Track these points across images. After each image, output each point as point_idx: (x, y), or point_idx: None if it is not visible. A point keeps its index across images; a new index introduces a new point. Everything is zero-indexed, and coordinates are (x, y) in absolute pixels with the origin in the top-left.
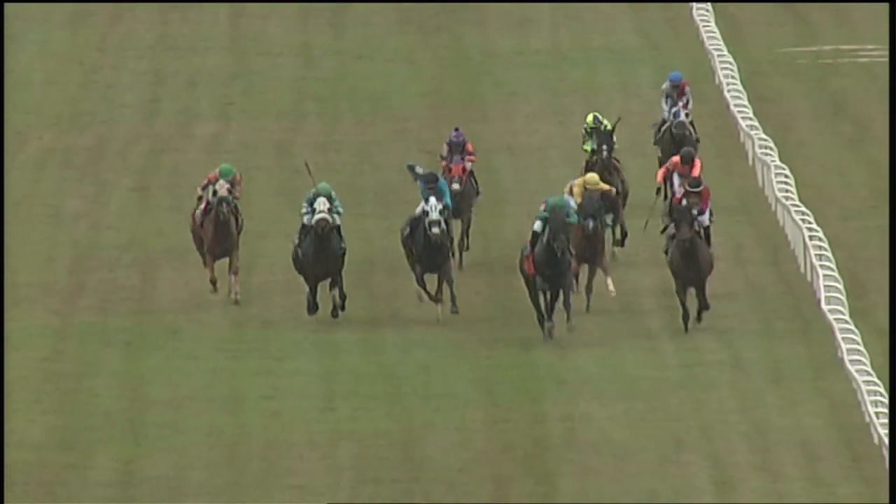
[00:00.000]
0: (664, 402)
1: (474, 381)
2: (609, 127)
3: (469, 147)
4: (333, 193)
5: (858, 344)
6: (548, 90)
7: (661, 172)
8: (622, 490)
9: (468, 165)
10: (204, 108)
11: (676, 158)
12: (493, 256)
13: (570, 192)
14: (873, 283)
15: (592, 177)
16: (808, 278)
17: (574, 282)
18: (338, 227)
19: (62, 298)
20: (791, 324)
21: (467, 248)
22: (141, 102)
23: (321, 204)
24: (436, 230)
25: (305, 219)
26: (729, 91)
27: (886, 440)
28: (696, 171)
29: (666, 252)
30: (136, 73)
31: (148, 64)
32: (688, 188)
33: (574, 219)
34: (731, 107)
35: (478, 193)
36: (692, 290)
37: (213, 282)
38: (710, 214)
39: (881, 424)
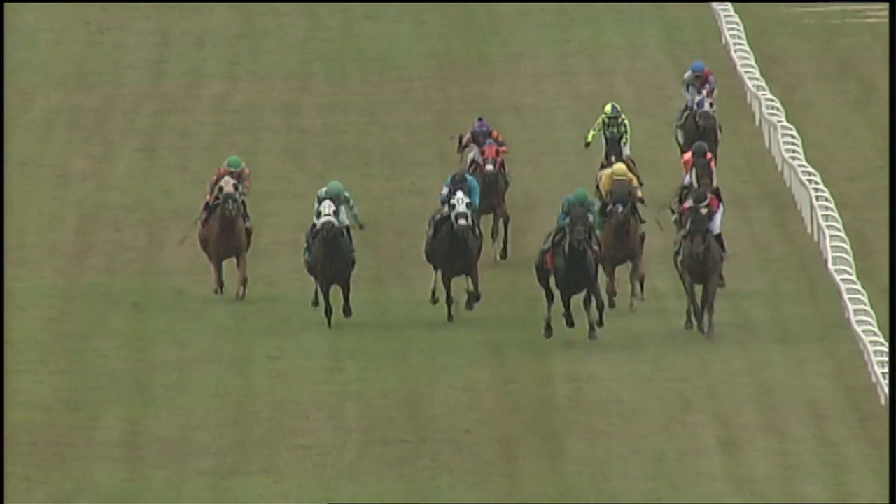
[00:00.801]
0: (671, 363)
1: (481, 342)
2: (624, 119)
3: (496, 135)
4: (347, 193)
5: (865, 304)
6: (554, 50)
7: (686, 161)
8: (629, 450)
9: (500, 157)
10: (211, 69)
11: (688, 155)
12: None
13: (599, 183)
14: (880, 244)
15: (620, 167)
16: (815, 239)
17: (606, 290)
18: (347, 229)
19: (69, 259)
20: (798, 284)
21: (505, 254)
22: (147, 63)
23: (326, 206)
24: (462, 222)
25: (314, 221)
26: (736, 51)
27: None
28: (710, 175)
29: (677, 253)
30: (143, 33)
31: (154, 24)
32: (693, 203)
33: (596, 216)
34: (738, 67)
35: (507, 184)
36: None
37: (220, 284)
38: (722, 213)
39: (888, 385)
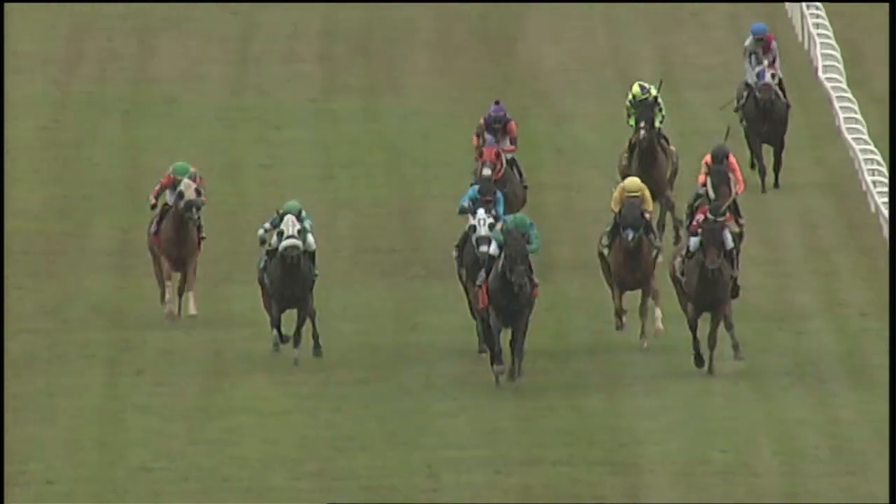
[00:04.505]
0: None
1: (473, 150)
2: (654, 94)
3: (512, 128)
4: (304, 212)
5: (856, 112)
6: None
7: (701, 178)
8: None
9: (507, 155)
10: None
11: (708, 158)
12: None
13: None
14: (871, 52)
15: (633, 182)
16: (806, 47)
17: (620, 320)
18: (312, 253)
19: (61, 67)
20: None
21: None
22: None
23: (290, 225)
24: (484, 248)
25: (273, 241)
26: None
27: (884, 209)
28: (733, 171)
29: (681, 274)
30: None
31: None
32: (709, 216)
33: (535, 245)
34: None
35: (525, 187)
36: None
37: (164, 296)
38: (740, 228)
39: (878, 193)
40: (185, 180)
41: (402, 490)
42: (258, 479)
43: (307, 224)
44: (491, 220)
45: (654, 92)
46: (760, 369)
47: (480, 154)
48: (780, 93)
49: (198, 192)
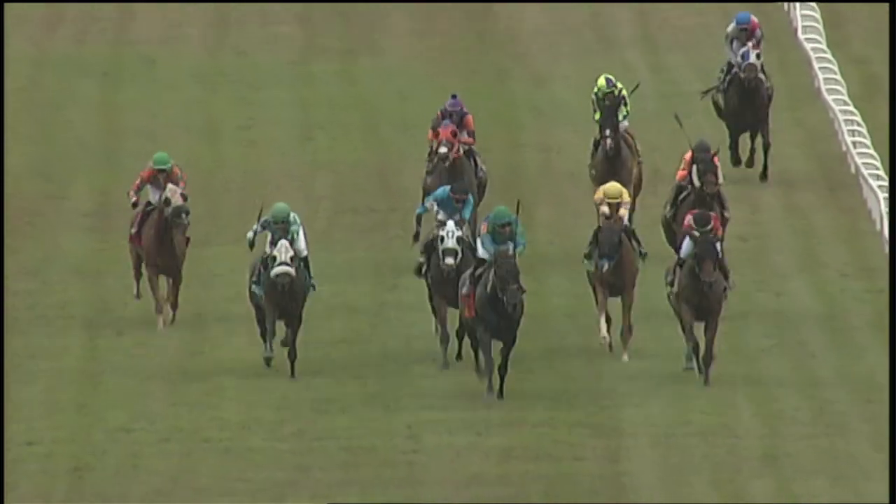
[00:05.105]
0: (642, 133)
1: None
2: (622, 91)
3: (469, 121)
4: (293, 216)
5: (836, 73)
6: None
7: (681, 173)
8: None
9: (463, 145)
10: None
11: (689, 155)
12: None
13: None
14: (851, 13)
15: (613, 188)
16: (785, 8)
17: (604, 323)
18: (305, 259)
19: (39, 28)
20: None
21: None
22: None
23: (283, 251)
24: (449, 261)
25: (267, 251)
26: None
27: (863, 169)
28: (715, 171)
29: (671, 284)
30: None
31: None
32: (694, 226)
33: (522, 247)
34: None
35: (477, 176)
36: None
37: (160, 309)
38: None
39: (857, 154)
40: (170, 186)
41: (382, 451)
42: (238, 440)
43: (296, 229)
44: (459, 232)
45: (619, 86)
46: (740, 331)
47: (436, 135)
48: (763, 76)
49: (183, 197)
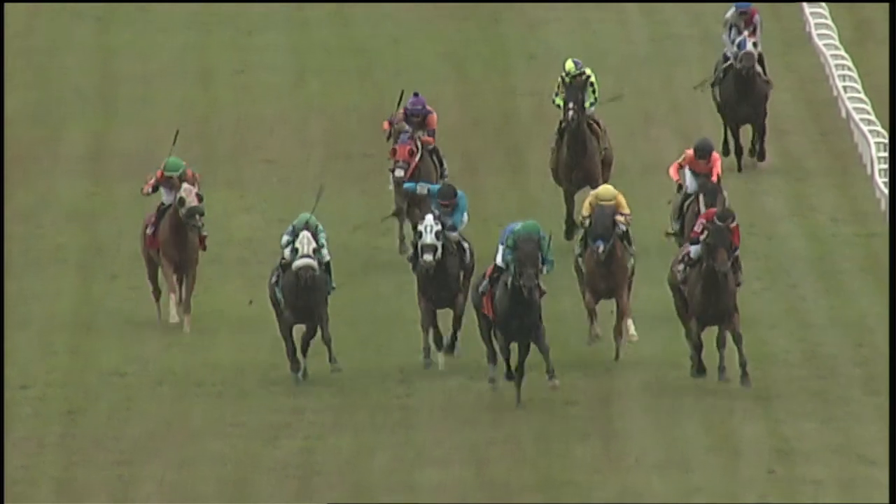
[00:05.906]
0: (634, 77)
1: (444, 55)
2: (589, 77)
3: (431, 121)
4: (320, 226)
5: (826, 18)
6: None
7: (673, 168)
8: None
9: (418, 144)
10: None
11: (690, 152)
12: None
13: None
14: None
15: (606, 190)
16: None
17: (592, 323)
18: (327, 263)
19: None
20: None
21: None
22: None
23: (305, 242)
24: (428, 257)
25: (286, 254)
26: None
27: (854, 114)
28: (715, 171)
29: (683, 283)
30: None
31: None
32: (717, 221)
33: (550, 266)
34: None
35: (442, 175)
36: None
37: (157, 294)
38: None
39: (848, 98)
40: (185, 185)
41: (374, 394)
42: (230, 383)
43: (322, 238)
44: (439, 227)
45: (588, 71)
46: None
47: (394, 153)
48: (761, 67)
49: (199, 198)
